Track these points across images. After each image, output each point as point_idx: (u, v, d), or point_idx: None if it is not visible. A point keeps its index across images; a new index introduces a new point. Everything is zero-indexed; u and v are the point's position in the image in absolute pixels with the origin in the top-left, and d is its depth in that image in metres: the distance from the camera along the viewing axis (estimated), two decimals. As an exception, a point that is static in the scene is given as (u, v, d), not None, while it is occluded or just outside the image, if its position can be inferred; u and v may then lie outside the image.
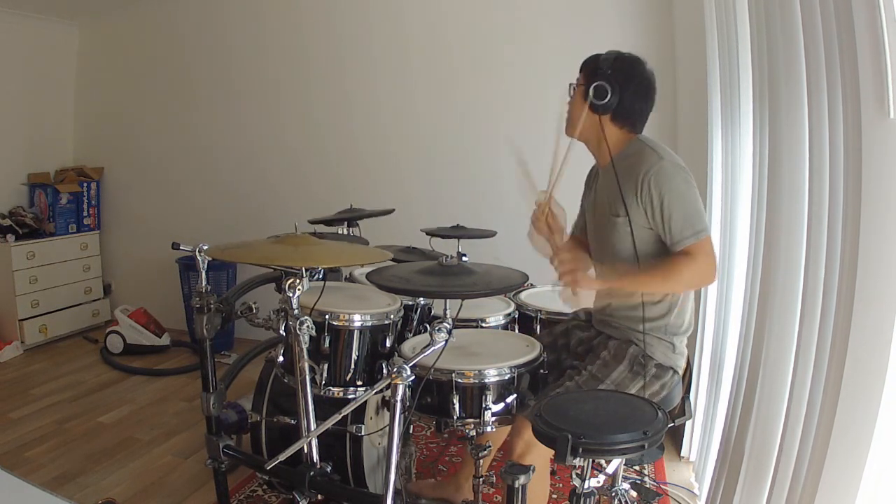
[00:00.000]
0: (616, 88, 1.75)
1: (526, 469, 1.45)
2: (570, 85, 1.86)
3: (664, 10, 3.22)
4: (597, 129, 1.81)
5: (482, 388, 1.72)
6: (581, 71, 1.85)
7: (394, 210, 2.84)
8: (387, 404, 2.13)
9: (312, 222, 2.73)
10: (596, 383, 1.75)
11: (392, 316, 1.99)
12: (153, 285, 4.57)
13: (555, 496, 2.40)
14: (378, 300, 2.08)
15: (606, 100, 1.75)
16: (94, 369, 3.83)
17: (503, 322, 2.37)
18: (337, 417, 1.49)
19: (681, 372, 1.86)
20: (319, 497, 1.87)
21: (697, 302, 2.51)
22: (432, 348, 1.46)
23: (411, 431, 2.56)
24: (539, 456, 1.62)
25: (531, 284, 2.53)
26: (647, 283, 1.73)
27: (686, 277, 1.69)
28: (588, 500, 1.38)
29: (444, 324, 1.48)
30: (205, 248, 1.96)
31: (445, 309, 1.93)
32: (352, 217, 2.73)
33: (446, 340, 1.47)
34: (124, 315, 4.08)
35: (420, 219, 2.90)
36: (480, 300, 2.43)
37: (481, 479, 1.98)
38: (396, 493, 1.45)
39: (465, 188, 3.73)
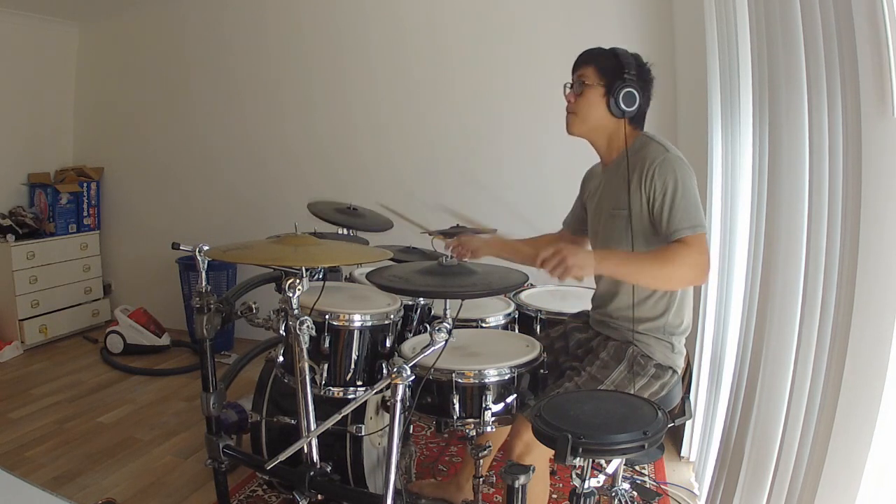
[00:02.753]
0: (641, 93, 1.75)
1: (526, 469, 1.45)
2: (570, 85, 1.84)
3: (664, 10, 3.22)
4: (611, 129, 1.81)
5: (482, 388, 1.71)
6: (589, 65, 1.80)
7: (392, 225, 2.82)
8: (386, 405, 2.13)
9: (313, 210, 2.70)
10: (595, 384, 1.75)
11: (392, 316, 1.99)
12: (153, 285, 4.57)
13: (555, 496, 2.40)
14: (378, 300, 2.08)
15: (635, 107, 1.74)
16: (94, 369, 3.83)
17: (503, 322, 2.37)
18: (337, 417, 1.49)
19: (680, 372, 1.86)
20: (319, 497, 1.87)
21: (697, 302, 2.51)
22: (432, 348, 1.46)
23: (411, 431, 2.56)
24: (539, 456, 1.62)
25: (531, 284, 2.53)
26: (642, 267, 1.67)
27: (681, 266, 1.63)
28: (588, 500, 1.38)
29: (444, 324, 1.48)
30: (205, 248, 1.96)
31: (445, 309, 1.93)
32: (352, 224, 2.72)
33: (446, 340, 1.47)
34: (124, 315, 4.08)
35: (420, 218, 2.90)
36: (480, 300, 2.43)
37: (481, 480, 1.98)
38: (396, 493, 1.45)
39: (465, 188, 3.73)
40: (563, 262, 1.58)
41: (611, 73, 1.76)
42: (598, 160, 1.98)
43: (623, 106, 1.74)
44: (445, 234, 2.64)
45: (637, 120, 1.83)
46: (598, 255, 1.68)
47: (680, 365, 1.85)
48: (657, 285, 1.76)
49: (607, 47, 1.82)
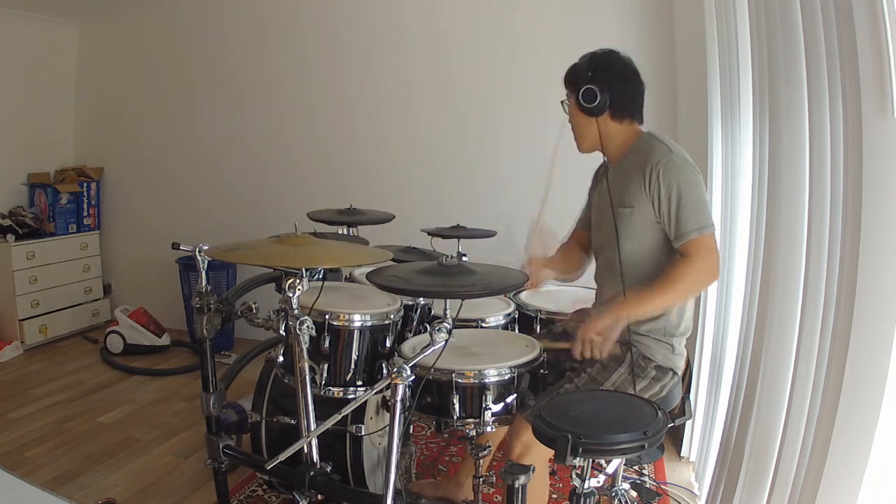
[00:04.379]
0: (603, 86, 1.77)
1: (526, 469, 1.45)
2: (562, 103, 1.89)
3: (664, 10, 3.22)
4: (608, 133, 1.83)
5: (482, 388, 1.71)
6: (565, 87, 1.87)
7: (394, 217, 2.84)
8: (386, 404, 2.13)
9: (312, 218, 2.72)
10: (595, 386, 1.75)
11: (392, 316, 1.99)
12: (153, 285, 4.57)
13: (555, 496, 2.40)
14: (378, 300, 2.08)
15: (597, 101, 1.77)
16: (94, 369, 3.83)
17: (503, 322, 2.37)
18: (337, 417, 1.49)
19: (680, 373, 1.86)
20: (319, 497, 1.87)
21: (697, 302, 2.51)
22: (432, 348, 1.46)
23: (411, 431, 2.56)
24: (538, 456, 1.62)
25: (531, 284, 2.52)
26: (651, 301, 1.71)
27: (688, 282, 1.68)
28: (588, 500, 1.38)
29: (444, 324, 1.48)
30: (205, 248, 1.96)
31: (445, 309, 1.93)
32: (351, 222, 2.73)
33: (446, 340, 1.47)
34: (124, 315, 4.07)
35: (420, 219, 2.90)
36: (480, 300, 2.43)
37: (481, 479, 1.98)
38: (396, 493, 1.45)
39: (465, 188, 3.73)
40: (594, 343, 1.71)
41: (574, 82, 1.83)
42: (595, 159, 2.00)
43: (585, 104, 1.79)
44: (444, 236, 2.65)
45: (623, 113, 1.83)
46: (613, 312, 1.72)
47: (680, 367, 1.86)
48: (676, 304, 1.79)
49: (586, 54, 1.84)
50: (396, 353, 1.95)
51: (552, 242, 2.18)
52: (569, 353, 1.98)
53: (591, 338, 1.72)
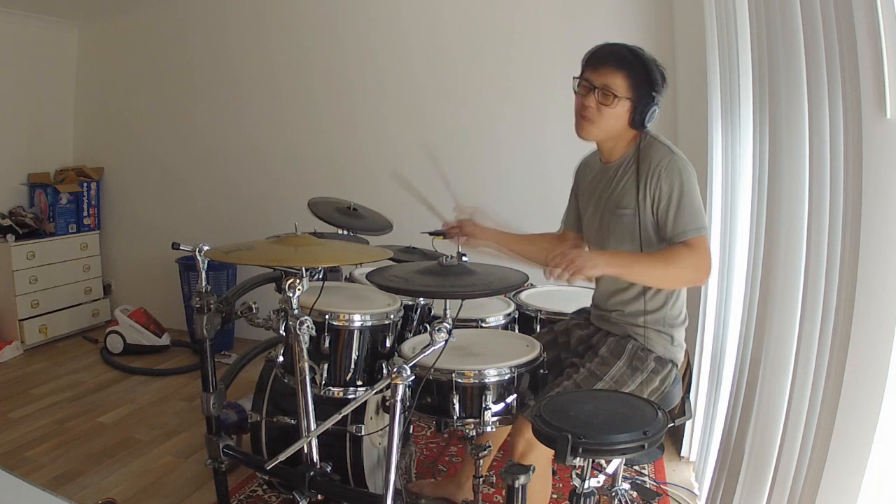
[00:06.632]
0: (658, 101, 1.77)
1: (526, 469, 1.45)
2: (606, 88, 1.73)
3: (664, 10, 3.22)
4: (622, 133, 1.82)
5: (482, 388, 1.71)
6: (619, 71, 1.72)
7: (392, 227, 2.83)
8: (386, 405, 2.13)
9: (313, 210, 2.70)
10: (594, 380, 1.75)
11: (392, 316, 1.99)
12: (153, 285, 4.57)
13: (555, 496, 2.40)
14: (378, 300, 2.08)
15: (653, 118, 1.77)
16: (94, 369, 3.83)
17: (503, 322, 2.37)
18: (337, 417, 1.49)
19: (680, 365, 1.86)
20: (319, 497, 1.87)
21: (697, 301, 2.51)
22: (432, 348, 1.46)
23: (411, 431, 2.56)
24: (540, 456, 1.62)
25: (531, 284, 2.52)
26: (646, 268, 1.70)
27: (684, 268, 1.68)
28: (588, 500, 1.38)
29: (444, 324, 1.48)
30: (205, 248, 1.96)
31: (445, 309, 1.93)
32: (352, 226, 2.72)
33: (446, 340, 1.47)
34: (124, 315, 4.08)
35: (420, 219, 2.90)
36: (480, 300, 2.43)
37: (481, 479, 1.98)
38: (396, 493, 1.45)
39: (465, 188, 3.72)
40: (573, 262, 1.59)
41: (642, 87, 1.74)
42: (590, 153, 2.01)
43: (647, 123, 1.77)
44: (439, 234, 2.64)
45: (643, 124, 1.83)
46: (605, 255, 1.72)
47: (680, 358, 1.86)
48: (660, 285, 1.79)
49: (632, 46, 1.78)
50: (396, 353, 1.95)
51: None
52: (569, 348, 1.98)
53: (569, 261, 1.60)
